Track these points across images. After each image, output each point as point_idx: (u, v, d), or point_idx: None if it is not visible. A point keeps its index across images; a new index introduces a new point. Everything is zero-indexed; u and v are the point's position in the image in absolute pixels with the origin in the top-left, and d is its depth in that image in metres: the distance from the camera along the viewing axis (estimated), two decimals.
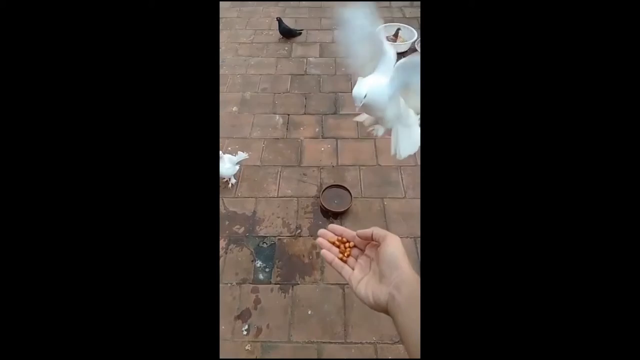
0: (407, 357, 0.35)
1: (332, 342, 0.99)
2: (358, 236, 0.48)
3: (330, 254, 0.47)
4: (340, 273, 0.46)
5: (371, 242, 0.47)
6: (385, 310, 0.40)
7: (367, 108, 0.70)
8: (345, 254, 0.47)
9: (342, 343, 0.99)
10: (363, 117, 0.86)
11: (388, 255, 0.42)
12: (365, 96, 0.65)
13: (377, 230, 0.45)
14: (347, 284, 0.44)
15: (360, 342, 0.98)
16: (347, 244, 0.48)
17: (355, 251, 0.48)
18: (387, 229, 1.22)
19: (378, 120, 0.81)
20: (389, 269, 0.41)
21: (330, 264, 0.47)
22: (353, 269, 0.46)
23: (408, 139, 0.81)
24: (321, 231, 0.49)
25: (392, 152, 0.85)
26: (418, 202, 1.31)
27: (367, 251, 0.47)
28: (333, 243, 0.48)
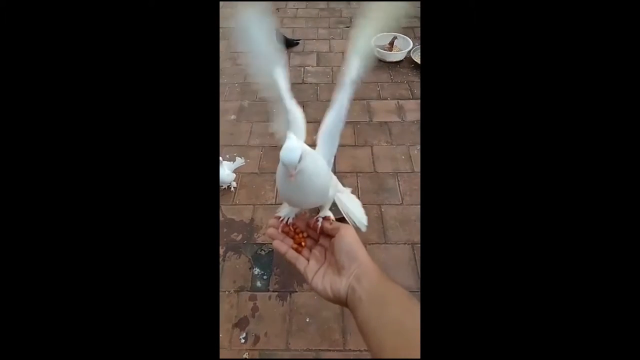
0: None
1: (330, 350, 0.98)
2: (308, 226, 0.45)
3: (283, 245, 0.44)
4: (294, 265, 0.43)
5: (324, 233, 0.45)
6: (345, 303, 0.39)
7: (303, 179, 0.41)
8: (302, 244, 0.45)
9: (340, 350, 0.98)
10: (285, 211, 0.49)
11: (345, 245, 0.41)
12: (300, 160, 0.39)
13: (326, 223, 0.44)
14: None
15: (359, 350, 0.98)
16: (301, 234, 0.46)
17: (309, 241, 0.45)
18: (385, 235, 1.23)
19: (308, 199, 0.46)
20: (348, 260, 0.40)
21: (284, 255, 0.44)
22: (308, 260, 0.43)
23: (354, 204, 0.58)
24: (272, 221, 0.46)
25: (354, 223, 0.58)
26: (415, 208, 1.32)
27: (321, 241, 0.45)
28: (287, 233, 0.46)
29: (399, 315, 0.36)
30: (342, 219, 0.50)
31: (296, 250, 0.44)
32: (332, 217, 0.45)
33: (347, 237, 0.41)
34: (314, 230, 0.45)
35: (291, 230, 0.46)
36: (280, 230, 0.46)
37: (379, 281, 0.38)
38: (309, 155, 0.41)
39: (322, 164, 0.45)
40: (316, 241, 0.46)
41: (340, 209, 0.55)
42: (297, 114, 0.50)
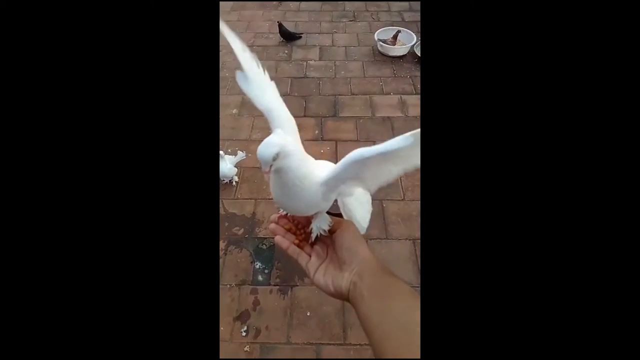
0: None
1: (330, 344, 0.99)
2: (309, 223, 0.45)
3: (285, 240, 0.44)
4: (296, 260, 0.44)
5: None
6: (347, 299, 0.39)
7: (282, 177, 0.39)
8: (305, 238, 0.45)
9: (341, 344, 0.99)
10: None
11: (346, 241, 0.41)
12: (275, 157, 0.36)
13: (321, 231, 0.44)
14: None
15: (359, 344, 0.99)
16: (303, 230, 0.45)
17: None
18: (386, 231, 1.23)
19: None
20: (349, 255, 0.40)
21: (286, 251, 0.44)
22: (310, 256, 0.43)
23: (360, 206, 0.53)
24: (274, 217, 0.46)
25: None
26: (417, 204, 1.31)
27: (322, 237, 0.45)
28: (289, 229, 0.45)
29: (401, 310, 0.35)
30: (341, 214, 0.50)
31: (298, 246, 0.44)
32: (326, 230, 0.44)
33: (348, 233, 0.41)
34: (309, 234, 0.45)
35: (293, 226, 0.46)
36: (278, 220, 0.46)
37: (380, 276, 0.38)
38: (294, 157, 0.38)
39: (312, 172, 0.40)
40: (318, 237, 0.45)
41: (342, 211, 0.51)
42: (280, 110, 0.46)
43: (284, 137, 0.38)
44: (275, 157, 0.36)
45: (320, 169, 0.42)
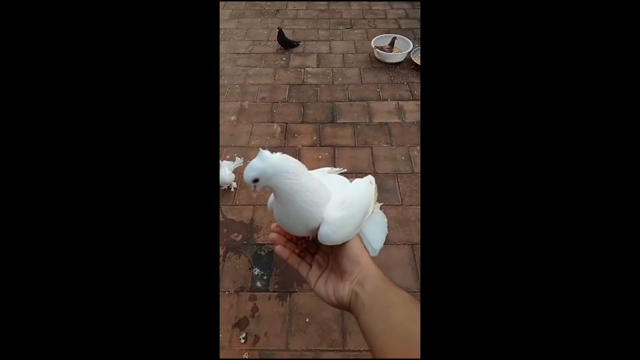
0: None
1: (330, 350, 0.98)
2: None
3: (285, 250, 0.44)
4: (297, 270, 0.43)
5: None
6: (348, 309, 0.39)
7: (275, 194, 0.40)
8: (306, 247, 0.44)
9: (340, 350, 0.98)
10: None
11: (347, 250, 0.40)
12: (256, 179, 0.37)
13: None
14: None
15: (358, 350, 0.98)
16: (304, 239, 0.45)
17: (311, 246, 0.45)
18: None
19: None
20: (350, 264, 0.40)
21: (286, 260, 0.44)
22: (310, 265, 0.43)
23: (373, 224, 0.49)
24: (273, 226, 0.45)
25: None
26: (415, 209, 1.32)
27: (323, 246, 0.44)
28: (290, 239, 0.45)
29: (403, 320, 0.35)
30: None
31: (299, 255, 0.44)
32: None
33: (350, 242, 0.41)
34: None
35: (294, 236, 0.45)
36: (276, 229, 0.45)
37: (382, 285, 0.38)
38: (280, 177, 0.37)
39: (305, 192, 0.39)
40: (318, 246, 0.45)
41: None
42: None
43: (268, 159, 0.37)
44: (256, 180, 0.38)
45: (325, 191, 0.41)
